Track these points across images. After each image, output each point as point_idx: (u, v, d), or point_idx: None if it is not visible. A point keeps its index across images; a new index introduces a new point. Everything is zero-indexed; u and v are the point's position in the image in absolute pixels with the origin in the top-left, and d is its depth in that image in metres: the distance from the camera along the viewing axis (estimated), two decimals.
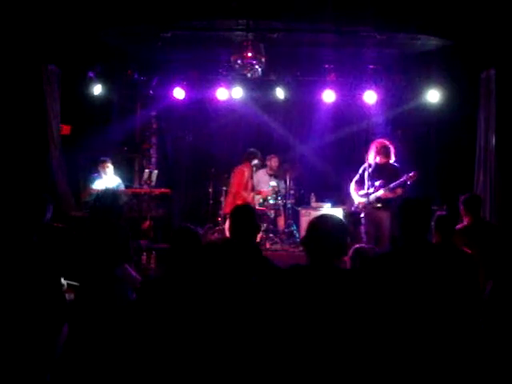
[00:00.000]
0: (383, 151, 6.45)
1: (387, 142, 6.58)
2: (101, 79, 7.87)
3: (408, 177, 6.27)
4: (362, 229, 6.54)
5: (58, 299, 3.35)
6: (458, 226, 4.51)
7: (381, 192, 6.38)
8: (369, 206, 6.41)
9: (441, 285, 2.64)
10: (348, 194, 6.91)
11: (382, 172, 6.43)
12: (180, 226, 3.17)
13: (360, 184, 6.65)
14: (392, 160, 6.52)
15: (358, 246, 3.91)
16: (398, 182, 6.32)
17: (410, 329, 2.62)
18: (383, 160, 6.46)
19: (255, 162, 7.14)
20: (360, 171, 6.68)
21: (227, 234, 8.57)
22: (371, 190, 6.41)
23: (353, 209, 6.74)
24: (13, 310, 3.12)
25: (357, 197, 6.61)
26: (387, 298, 2.64)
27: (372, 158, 6.52)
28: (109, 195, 4.25)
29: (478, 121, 7.15)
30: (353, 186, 6.72)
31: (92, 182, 7.26)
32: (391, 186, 6.35)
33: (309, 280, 2.48)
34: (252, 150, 7.38)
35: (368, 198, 6.39)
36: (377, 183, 6.40)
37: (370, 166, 6.49)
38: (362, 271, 3.61)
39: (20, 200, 3.36)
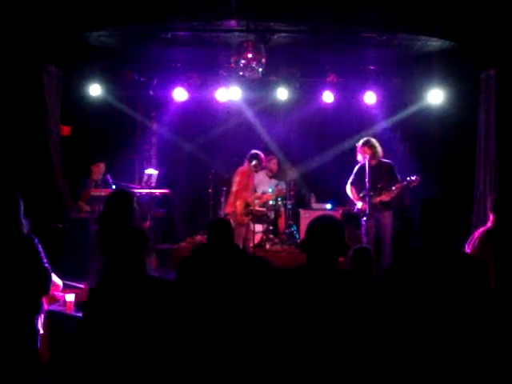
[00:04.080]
0: (369, 152, 6.47)
1: (372, 141, 6.57)
2: (101, 80, 7.86)
3: (410, 181, 6.27)
4: (363, 230, 6.53)
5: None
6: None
7: (381, 196, 6.38)
8: (371, 209, 6.41)
9: (453, 290, 2.62)
10: (348, 195, 6.91)
11: (376, 172, 6.43)
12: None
13: (356, 185, 6.66)
14: (381, 157, 6.52)
15: (358, 246, 3.91)
16: (399, 188, 6.33)
17: (415, 332, 2.61)
18: (374, 160, 6.46)
19: (254, 163, 7.12)
20: (355, 172, 6.70)
21: None
22: (371, 193, 6.40)
23: (355, 210, 6.72)
24: None
25: (357, 199, 6.60)
26: (396, 301, 2.63)
27: (361, 158, 6.55)
28: (123, 196, 4.15)
29: (479, 121, 7.15)
30: (349, 187, 6.73)
31: (83, 185, 7.24)
32: (393, 189, 6.36)
33: (309, 281, 2.47)
34: (254, 151, 7.39)
35: (369, 201, 6.38)
36: (379, 186, 6.40)
37: (363, 167, 6.50)
38: (367, 273, 3.61)
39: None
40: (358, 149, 6.58)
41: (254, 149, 7.53)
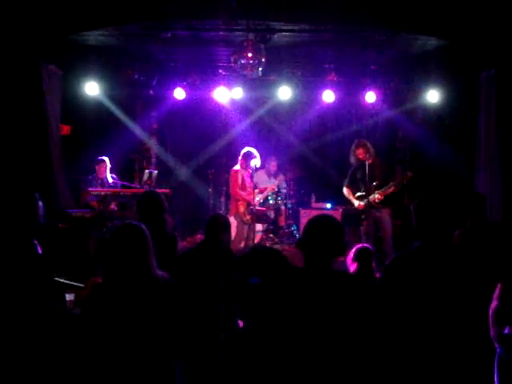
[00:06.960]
0: (363, 152, 6.53)
1: (365, 141, 6.71)
2: (100, 79, 7.86)
3: (404, 176, 6.49)
4: (362, 229, 6.56)
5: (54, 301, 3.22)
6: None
7: (377, 195, 6.42)
8: (369, 207, 6.44)
9: (453, 287, 2.63)
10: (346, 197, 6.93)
11: (372, 171, 6.45)
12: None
13: (352, 186, 6.74)
14: (373, 156, 6.59)
15: (359, 246, 3.90)
16: (395, 183, 6.40)
17: (414, 331, 2.61)
18: (369, 160, 6.49)
19: (245, 161, 7.10)
20: (349, 174, 6.83)
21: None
22: (366, 192, 6.44)
23: (354, 209, 6.76)
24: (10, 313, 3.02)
25: (354, 200, 6.67)
26: (396, 300, 2.64)
27: (354, 160, 6.69)
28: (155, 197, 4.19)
29: (478, 121, 7.15)
30: (345, 189, 6.86)
31: (87, 184, 7.23)
32: (387, 187, 6.42)
33: (306, 282, 2.47)
34: (246, 149, 7.36)
35: (367, 199, 6.42)
36: (374, 184, 6.45)
37: (356, 168, 6.66)
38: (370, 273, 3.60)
39: (11, 201, 3.23)
40: (352, 151, 6.72)
41: (255, 148, 7.52)
